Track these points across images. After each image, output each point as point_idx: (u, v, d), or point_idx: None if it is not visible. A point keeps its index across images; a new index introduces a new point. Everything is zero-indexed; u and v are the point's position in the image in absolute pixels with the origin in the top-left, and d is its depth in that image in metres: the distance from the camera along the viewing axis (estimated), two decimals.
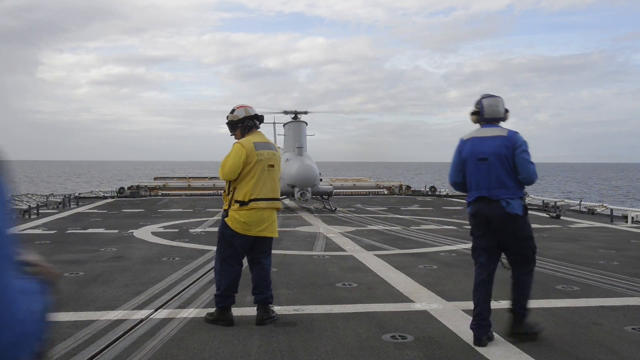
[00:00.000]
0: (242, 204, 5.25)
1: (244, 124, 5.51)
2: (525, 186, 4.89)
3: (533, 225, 14.46)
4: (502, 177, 4.69)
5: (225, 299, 5.25)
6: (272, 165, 5.37)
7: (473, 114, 4.94)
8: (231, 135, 5.61)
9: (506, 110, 4.92)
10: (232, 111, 5.58)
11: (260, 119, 5.59)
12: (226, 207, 5.36)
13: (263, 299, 5.32)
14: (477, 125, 4.98)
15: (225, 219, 5.34)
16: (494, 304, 6.07)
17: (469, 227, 5.09)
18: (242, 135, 5.51)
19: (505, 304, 6.07)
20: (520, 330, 4.78)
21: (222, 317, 5.22)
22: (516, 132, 4.80)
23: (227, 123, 5.57)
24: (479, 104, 4.90)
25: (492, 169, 4.68)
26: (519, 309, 4.86)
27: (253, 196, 5.25)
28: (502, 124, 4.93)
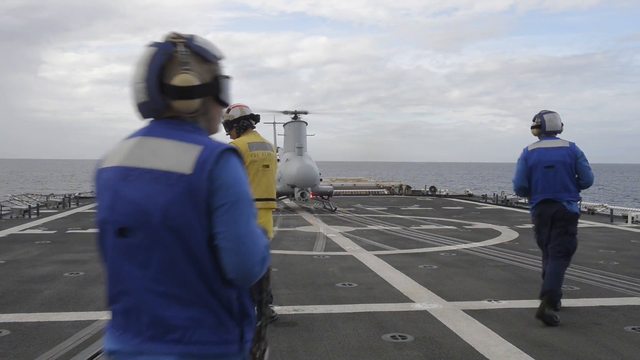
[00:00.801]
0: None
1: (239, 123, 5.47)
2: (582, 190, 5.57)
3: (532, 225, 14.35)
4: (567, 182, 5.43)
5: None
6: (267, 166, 5.31)
7: (534, 127, 5.69)
8: (227, 134, 5.59)
9: (562, 124, 5.70)
10: (228, 110, 5.52)
11: (255, 118, 5.53)
12: None
13: (260, 299, 5.31)
14: (534, 137, 5.78)
15: None
16: (494, 305, 6.09)
17: (532, 225, 5.75)
18: (238, 135, 5.48)
19: (505, 304, 6.08)
20: (550, 313, 5.30)
21: None
22: (574, 143, 5.57)
23: (222, 123, 5.56)
24: (539, 118, 5.64)
25: (558, 175, 5.42)
26: (554, 296, 5.40)
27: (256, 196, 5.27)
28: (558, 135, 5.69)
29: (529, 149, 5.61)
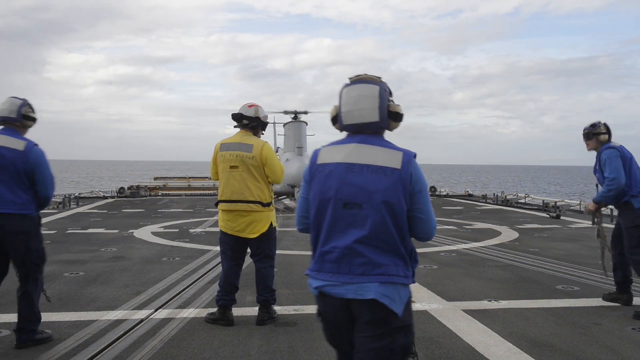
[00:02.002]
0: (217, 204, 5.41)
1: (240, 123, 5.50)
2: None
3: (532, 225, 14.43)
4: None
5: (222, 295, 5.25)
6: (236, 167, 5.18)
7: (603, 134, 5.95)
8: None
9: None
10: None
11: (234, 117, 5.38)
12: None
13: (262, 300, 5.32)
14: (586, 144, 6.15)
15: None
16: (494, 305, 6.09)
17: (637, 218, 5.70)
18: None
19: (505, 304, 6.08)
20: (624, 298, 5.90)
21: (222, 316, 5.21)
22: None
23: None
24: (605, 127, 5.95)
25: None
26: (628, 284, 5.95)
27: (220, 197, 5.32)
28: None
29: (616, 145, 5.84)
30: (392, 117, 2.58)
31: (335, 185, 2.51)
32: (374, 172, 2.48)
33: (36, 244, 4.56)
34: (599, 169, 5.88)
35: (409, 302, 2.59)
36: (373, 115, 2.53)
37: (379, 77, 2.62)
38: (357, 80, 2.61)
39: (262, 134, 5.54)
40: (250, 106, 5.39)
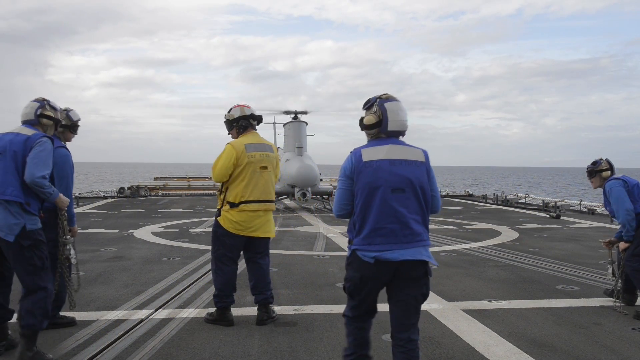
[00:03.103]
0: (233, 205, 5.20)
1: (238, 123, 5.43)
2: None
3: (532, 225, 14.42)
4: None
5: (222, 298, 5.24)
6: (265, 167, 5.27)
7: (605, 170, 6.01)
8: (228, 134, 5.55)
9: None
10: (229, 110, 5.50)
11: (257, 119, 5.47)
12: (219, 207, 5.35)
13: (263, 299, 5.30)
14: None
15: (218, 218, 5.31)
16: (494, 305, 6.09)
17: None
18: (238, 135, 5.44)
19: (505, 304, 6.08)
20: (627, 297, 5.92)
21: (221, 317, 5.21)
22: None
23: (224, 122, 5.54)
24: (607, 163, 6.04)
25: None
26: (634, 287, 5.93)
27: (244, 198, 5.18)
28: None
29: (619, 176, 5.96)
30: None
31: (384, 175, 3.37)
32: (410, 165, 3.43)
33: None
34: (608, 202, 5.93)
35: None
36: (404, 126, 3.55)
37: None
38: (391, 98, 3.53)
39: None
40: (247, 107, 5.49)
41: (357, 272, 3.46)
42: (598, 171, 6.03)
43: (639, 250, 5.65)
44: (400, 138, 3.54)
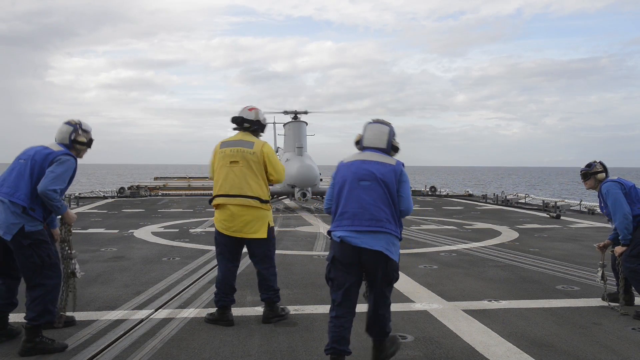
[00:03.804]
0: (211, 200, 5.37)
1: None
2: None
3: (532, 225, 14.42)
4: None
5: (221, 297, 5.25)
6: (236, 162, 5.23)
7: (600, 172, 6.03)
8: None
9: None
10: None
11: (235, 120, 5.46)
12: None
13: (266, 297, 5.33)
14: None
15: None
16: (494, 305, 6.08)
17: None
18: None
19: (505, 304, 6.08)
20: (626, 298, 5.88)
21: (221, 317, 5.21)
22: None
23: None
24: (601, 165, 6.05)
25: None
26: (630, 286, 5.95)
27: (215, 192, 5.31)
28: None
29: (614, 178, 5.98)
30: (393, 149, 4.21)
31: (353, 169, 4.03)
32: (377, 164, 4.03)
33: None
34: (604, 205, 5.92)
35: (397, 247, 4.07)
36: (383, 141, 4.18)
37: (390, 123, 4.28)
38: (377, 121, 4.27)
39: (261, 135, 5.62)
40: (250, 109, 5.48)
41: (330, 251, 4.07)
42: (592, 173, 6.05)
43: (636, 251, 5.64)
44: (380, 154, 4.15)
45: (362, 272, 4.00)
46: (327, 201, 4.20)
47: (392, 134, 4.18)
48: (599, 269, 6.09)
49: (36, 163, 4.51)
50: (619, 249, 5.78)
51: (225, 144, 5.38)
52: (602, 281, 6.03)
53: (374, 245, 3.87)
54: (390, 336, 4.20)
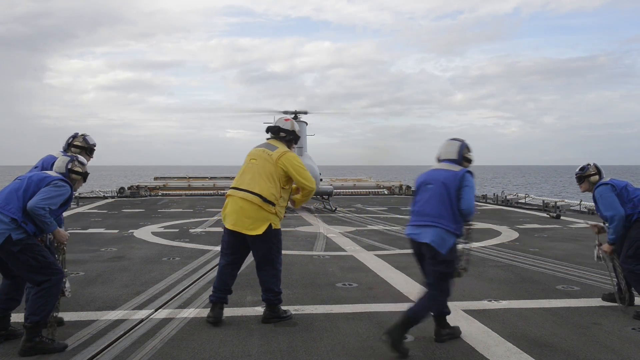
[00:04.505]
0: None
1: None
2: None
3: (533, 225, 14.42)
4: None
5: (214, 292, 5.31)
6: (254, 160, 5.45)
7: (593, 175, 6.06)
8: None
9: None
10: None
11: (271, 129, 5.70)
12: None
13: (265, 298, 5.34)
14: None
15: None
16: (494, 305, 6.09)
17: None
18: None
19: (505, 304, 6.08)
20: (626, 297, 5.93)
21: (211, 312, 5.26)
22: None
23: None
24: (595, 167, 6.09)
25: None
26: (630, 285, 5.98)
27: (232, 185, 5.45)
28: None
29: (607, 179, 5.99)
30: (465, 160, 4.88)
31: (425, 176, 4.85)
32: (444, 171, 4.74)
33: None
34: (599, 207, 5.94)
35: (454, 245, 4.72)
36: (454, 154, 4.88)
37: (463, 139, 4.95)
38: (452, 138, 4.97)
39: (294, 147, 5.79)
40: (286, 120, 5.68)
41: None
42: (586, 176, 6.07)
43: (631, 251, 5.64)
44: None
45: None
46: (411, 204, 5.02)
47: (463, 147, 4.87)
48: (595, 247, 6.18)
49: (32, 182, 4.64)
50: (607, 247, 5.85)
51: (256, 146, 5.62)
52: (599, 260, 6.12)
53: (423, 238, 4.60)
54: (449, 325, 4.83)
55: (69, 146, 5.66)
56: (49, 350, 4.37)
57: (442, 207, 4.58)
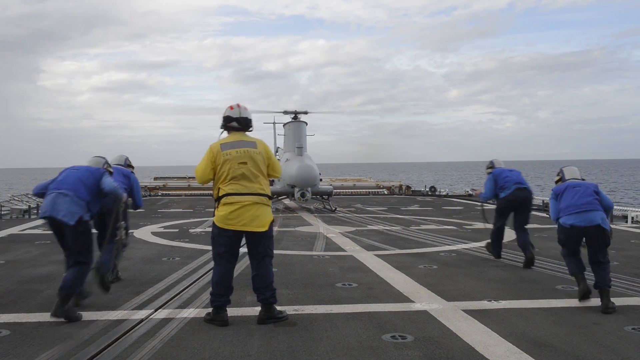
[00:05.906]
0: (218, 200, 5.36)
1: (222, 124, 5.58)
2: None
3: (532, 225, 14.38)
4: None
5: (216, 297, 5.25)
6: (244, 162, 5.32)
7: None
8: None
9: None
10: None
11: (245, 122, 5.51)
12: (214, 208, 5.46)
13: (262, 299, 5.32)
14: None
15: (213, 218, 5.41)
16: (494, 305, 6.08)
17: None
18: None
19: (505, 304, 6.08)
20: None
21: (216, 317, 5.22)
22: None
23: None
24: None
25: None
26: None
27: (224, 192, 5.31)
28: None
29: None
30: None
31: (570, 183, 6.35)
32: (583, 181, 6.36)
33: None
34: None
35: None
36: (578, 176, 6.47)
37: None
38: (567, 165, 6.42)
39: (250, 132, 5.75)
40: (246, 108, 5.58)
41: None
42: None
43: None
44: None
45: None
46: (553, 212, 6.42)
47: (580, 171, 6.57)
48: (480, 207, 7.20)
49: (88, 172, 5.76)
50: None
51: (226, 146, 5.38)
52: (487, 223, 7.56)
53: (594, 221, 6.02)
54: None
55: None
56: (74, 318, 5.21)
57: (592, 198, 6.09)
